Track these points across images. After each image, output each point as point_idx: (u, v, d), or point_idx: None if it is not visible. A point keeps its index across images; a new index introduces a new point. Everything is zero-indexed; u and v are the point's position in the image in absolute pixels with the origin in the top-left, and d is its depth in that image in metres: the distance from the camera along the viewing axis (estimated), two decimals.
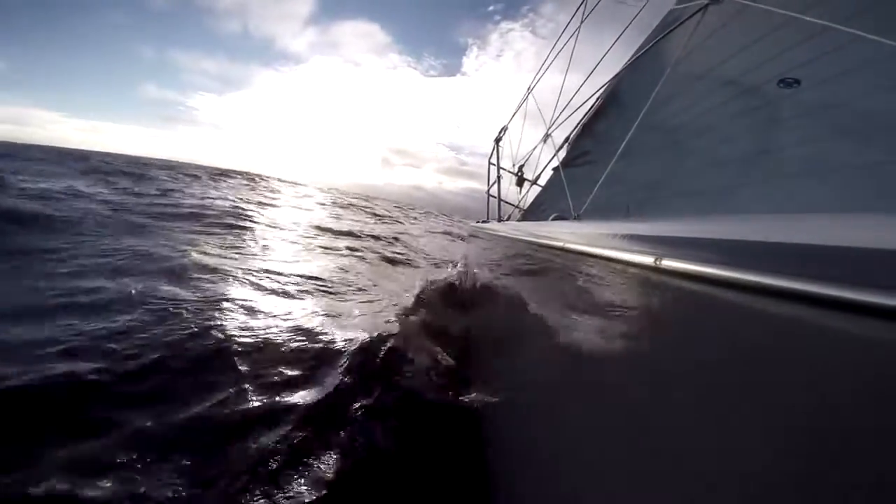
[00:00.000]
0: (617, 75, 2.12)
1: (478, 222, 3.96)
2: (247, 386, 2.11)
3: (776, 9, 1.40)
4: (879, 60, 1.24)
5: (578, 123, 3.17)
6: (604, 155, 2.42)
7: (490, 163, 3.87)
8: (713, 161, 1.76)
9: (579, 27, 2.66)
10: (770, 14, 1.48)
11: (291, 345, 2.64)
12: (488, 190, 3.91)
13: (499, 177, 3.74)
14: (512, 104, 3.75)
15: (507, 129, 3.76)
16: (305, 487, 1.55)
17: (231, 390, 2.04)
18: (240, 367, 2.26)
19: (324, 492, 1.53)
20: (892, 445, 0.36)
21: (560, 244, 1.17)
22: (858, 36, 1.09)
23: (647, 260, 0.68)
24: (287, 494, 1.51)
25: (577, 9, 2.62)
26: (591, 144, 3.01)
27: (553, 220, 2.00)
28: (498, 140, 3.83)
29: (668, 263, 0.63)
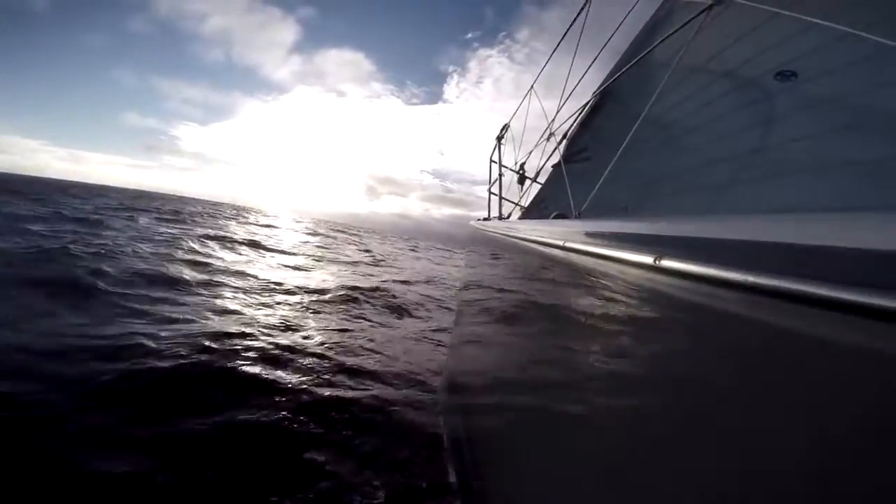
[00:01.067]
0: (619, 72, 2.11)
1: (478, 220, 3.96)
2: None
3: (771, 5, 1.39)
4: (878, 53, 1.23)
5: (577, 120, 3.16)
6: (603, 152, 2.42)
7: (491, 160, 3.87)
8: (712, 156, 1.75)
9: (583, 25, 2.65)
10: (765, 6, 1.47)
11: None
12: (490, 187, 3.91)
13: (500, 174, 3.73)
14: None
15: (509, 126, 3.76)
16: None
17: None
18: None
19: None
20: (892, 447, 0.36)
21: (560, 243, 1.17)
22: (855, 31, 1.08)
23: (647, 259, 0.68)
24: None
25: (582, 8, 2.61)
26: (590, 141, 3.00)
27: (554, 217, 2.00)
28: (500, 138, 3.82)
29: (668, 263, 0.63)
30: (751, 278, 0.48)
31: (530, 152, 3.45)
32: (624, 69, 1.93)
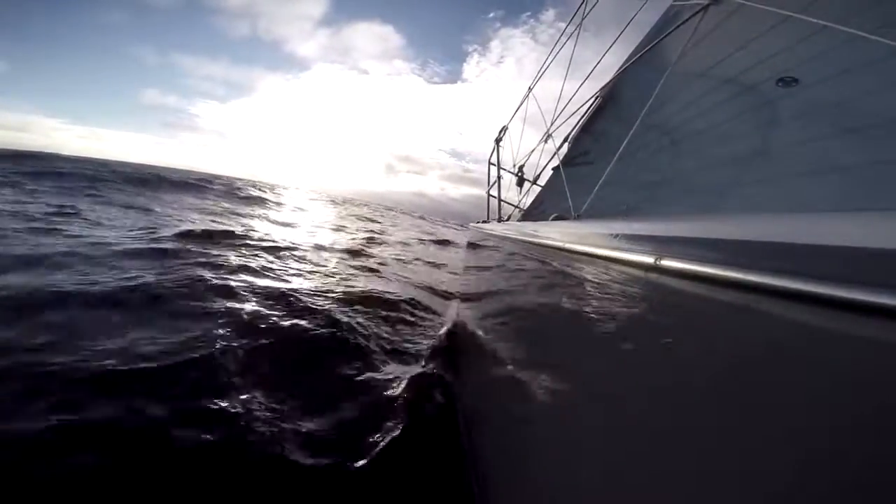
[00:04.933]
0: (617, 74, 2.12)
1: (478, 222, 3.96)
2: None
3: (774, 8, 1.40)
4: (878, 59, 1.24)
5: (578, 123, 3.17)
6: (603, 154, 2.42)
7: (490, 163, 3.88)
8: (712, 160, 1.76)
9: (580, 25, 2.66)
10: (768, 12, 1.48)
11: None
12: (488, 190, 3.91)
13: (499, 177, 3.74)
14: (514, 110, 3.75)
15: (507, 128, 3.76)
16: None
17: None
18: None
19: None
20: (892, 446, 0.36)
21: (560, 244, 1.17)
22: (856, 35, 1.09)
23: (647, 260, 0.68)
24: None
25: (578, 8, 2.62)
26: (590, 144, 3.01)
27: (553, 219, 2.00)
28: (498, 140, 3.83)
29: (667, 263, 0.63)
30: (751, 278, 0.48)
31: (529, 154, 3.46)
32: (620, 70, 1.93)
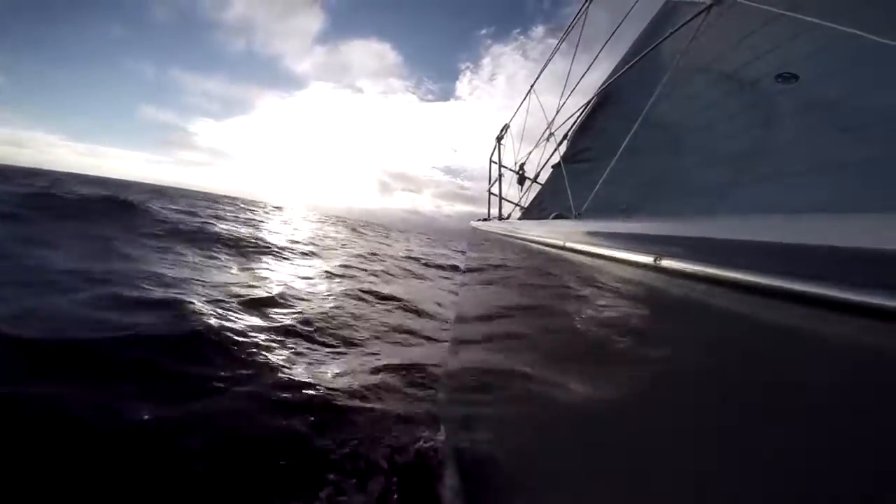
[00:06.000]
0: (618, 73, 2.11)
1: (478, 220, 3.96)
2: None
3: (773, 7, 1.39)
4: (878, 56, 1.23)
5: (577, 120, 3.17)
6: (604, 152, 2.42)
7: (491, 161, 3.88)
8: (712, 158, 1.75)
9: (583, 24, 2.66)
10: (766, 6, 1.47)
11: None
12: (489, 188, 3.91)
13: (500, 175, 3.74)
14: (511, 115, 3.76)
15: (508, 126, 3.76)
16: None
17: None
18: None
19: None
20: (891, 447, 0.36)
21: (560, 243, 1.17)
22: (856, 31, 1.08)
23: (647, 259, 0.68)
24: None
25: (580, 7, 2.61)
26: (590, 141, 3.01)
27: (554, 218, 2.00)
28: (500, 138, 3.83)
29: (668, 263, 0.63)
30: (751, 278, 0.48)
31: (530, 153, 3.46)
32: (623, 70, 1.93)
